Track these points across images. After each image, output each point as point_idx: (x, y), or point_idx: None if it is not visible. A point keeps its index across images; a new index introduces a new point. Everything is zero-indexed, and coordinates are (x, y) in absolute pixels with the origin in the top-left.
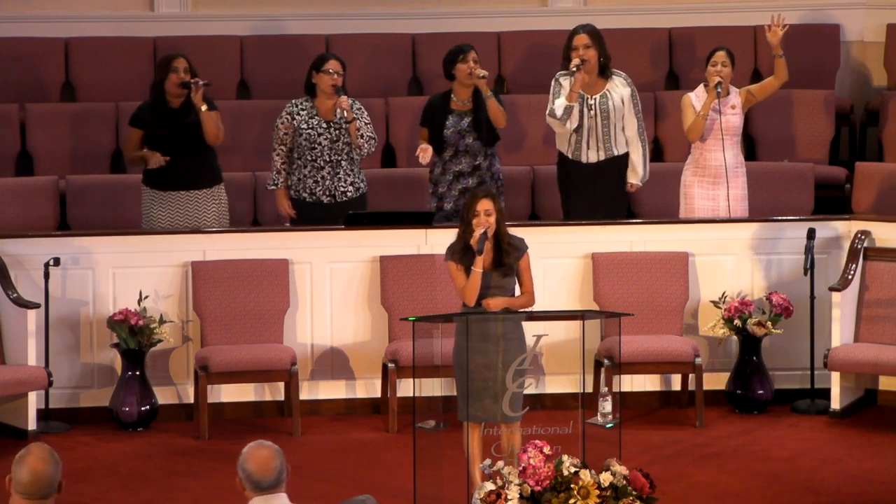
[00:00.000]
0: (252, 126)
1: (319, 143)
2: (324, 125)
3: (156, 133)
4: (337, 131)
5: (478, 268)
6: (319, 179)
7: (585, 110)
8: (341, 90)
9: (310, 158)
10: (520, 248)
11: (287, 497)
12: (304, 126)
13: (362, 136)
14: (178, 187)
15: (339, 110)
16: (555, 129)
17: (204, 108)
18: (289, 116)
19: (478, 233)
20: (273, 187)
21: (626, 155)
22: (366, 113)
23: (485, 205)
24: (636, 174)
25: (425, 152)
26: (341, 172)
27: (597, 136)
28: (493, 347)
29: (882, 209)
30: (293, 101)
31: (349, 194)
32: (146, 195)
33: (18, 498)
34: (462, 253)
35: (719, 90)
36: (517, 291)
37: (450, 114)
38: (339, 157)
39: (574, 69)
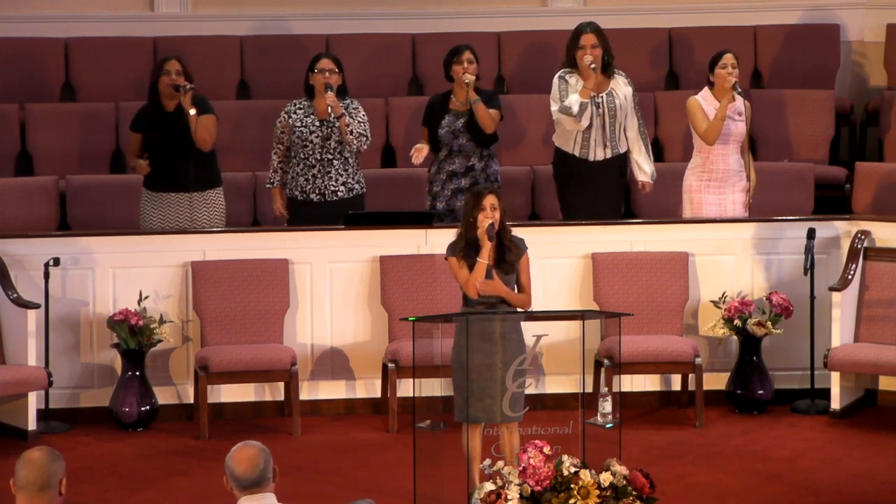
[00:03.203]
0: (252, 126)
1: (311, 141)
2: (316, 123)
3: (154, 137)
4: (329, 130)
5: (483, 259)
6: (310, 178)
7: (594, 108)
8: (330, 87)
9: (302, 157)
10: (520, 246)
11: (275, 497)
12: (299, 124)
13: (352, 133)
14: (170, 188)
15: (329, 107)
16: (566, 126)
17: (192, 111)
18: (286, 115)
19: (486, 223)
20: (270, 185)
21: (626, 153)
22: (362, 112)
23: (491, 200)
24: (644, 173)
25: (419, 152)
26: (332, 172)
27: (605, 134)
28: (493, 347)
29: (882, 209)
30: (293, 101)
31: (340, 194)
32: (143, 196)
33: (21, 496)
34: (464, 249)
35: (738, 89)
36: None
37: (447, 113)
38: (331, 157)
39: (592, 67)
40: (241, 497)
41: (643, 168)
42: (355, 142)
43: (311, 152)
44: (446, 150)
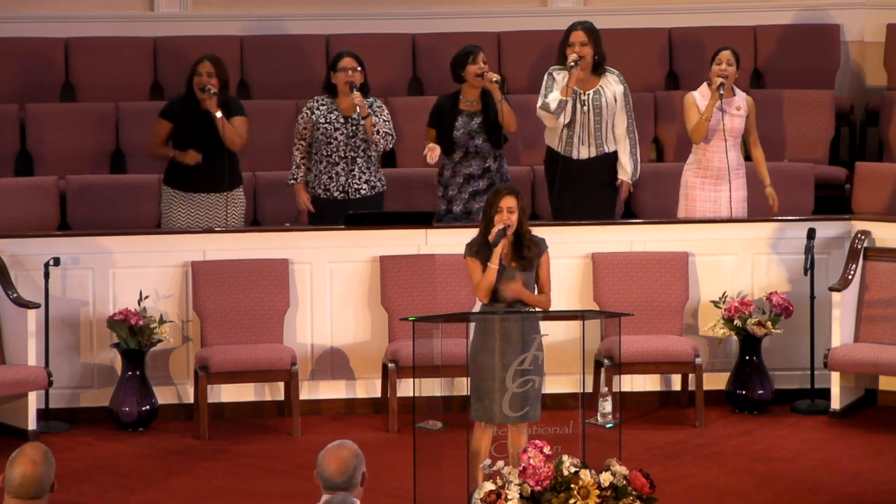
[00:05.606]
0: (252, 126)
1: (335, 139)
2: (341, 120)
3: (185, 130)
4: (354, 127)
5: (493, 264)
6: (334, 175)
7: (578, 106)
8: (355, 86)
9: (325, 154)
10: (540, 245)
11: (359, 503)
12: (322, 121)
13: (378, 132)
14: (201, 189)
15: (356, 107)
16: (546, 123)
17: (218, 114)
18: (308, 111)
19: (497, 227)
20: (293, 181)
21: (615, 153)
22: (386, 111)
23: (508, 202)
24: (625, 172)
25: (433, 151)
26: (356, 169)
27: (589, 132)
28: (512, 347)
29: (882, 209)
30: (315, 98)
31: (363, 192)
32: (167, 195)
33: (10, 498)
34: (481, 249)
35: (721, 90)
36: (535, 291)
37: (459, 115)
38: (355, 154)
39: (571, 65)
40: (324, 495)
41: (624, 167)
42: (382, 141)
43: (335, 149)
44: (461, 151)
